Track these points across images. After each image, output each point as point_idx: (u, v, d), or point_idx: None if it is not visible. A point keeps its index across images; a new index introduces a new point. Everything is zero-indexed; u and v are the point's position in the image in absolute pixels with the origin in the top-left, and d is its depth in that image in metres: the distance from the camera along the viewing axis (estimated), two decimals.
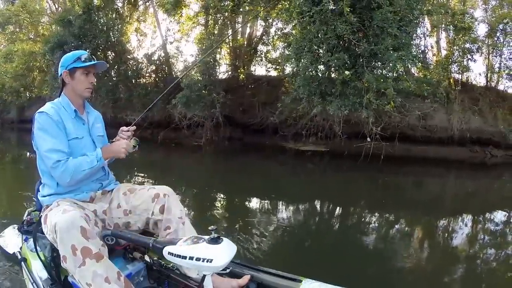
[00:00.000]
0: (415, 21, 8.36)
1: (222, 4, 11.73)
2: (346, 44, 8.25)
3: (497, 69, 12.40)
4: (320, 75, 8.84)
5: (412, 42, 8.20)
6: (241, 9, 12.16)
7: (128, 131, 1.86)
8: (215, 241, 1.20)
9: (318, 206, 5.43)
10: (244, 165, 9.25)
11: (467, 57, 11.73)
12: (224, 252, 1.18)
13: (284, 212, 4.98)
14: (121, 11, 15.31)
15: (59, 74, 1.76)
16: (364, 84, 8.11)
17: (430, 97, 10.00)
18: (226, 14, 12.34)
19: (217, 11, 12.24)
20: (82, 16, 12.91)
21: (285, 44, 10.47)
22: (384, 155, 9.17)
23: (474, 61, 11.92)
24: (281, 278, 1.57)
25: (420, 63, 10.17)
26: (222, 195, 5.81)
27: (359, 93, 8.19)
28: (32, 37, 18.82)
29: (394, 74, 8.53)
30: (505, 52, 12.00)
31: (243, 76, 13.94)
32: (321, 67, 8.74)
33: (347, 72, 8.06)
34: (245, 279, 1.59)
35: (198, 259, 1.16)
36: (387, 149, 9.76)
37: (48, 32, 16.82)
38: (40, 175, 1.74)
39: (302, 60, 8.62)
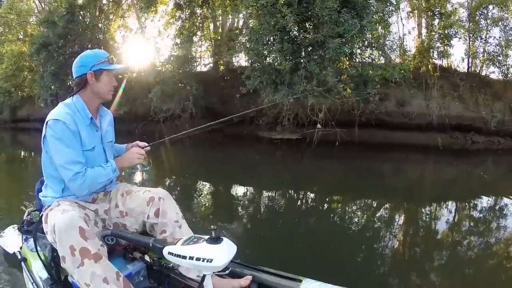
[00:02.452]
0: (367, 8, 8.30)
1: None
2: (290, 35, 8.37)
3: (480, 55, 12.13)
4: (272, 65, 8.98)
5: (364, 28, 8.13)
6: (211, 3, 12.41)
7: (144, 148, 1.86)
8: (215, 241, 1.20)
9: (291, 194, 5.42)
10: (220, 156, 9.22)
11: (444, 42, 11.52)
12: (224, 252, 1.19)
13: (259, 201, 5.03)
14: (105, 9, 15.28)
15: (79, 74, 1.65)
16: (302, 73, 8.26)
17: (381, 82, 9.78)
18: (202, 9, 12.55)
19: (188, 6, 12.37)
20: (65, 16, 12.90)
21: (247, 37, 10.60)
22: (365, 142, 9.48)
23: (452, 46, 11.76)
24: (281, 278, 1.57)
25: (374, 49, 10.14)
26: (198, 186, 5.83)
27: (306, 82, 8.37)
28: (21, 37, 18.56)
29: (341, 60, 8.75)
30: (486, 37, 11.73)
31: (223, 68, 13.92)
32: (274, 56, 8.92)
33: (288, 62, 8.34)
34: (247, 280, 1.58)
35: (198, 259, 1.16)
36: (366, 135, 10.09)
37: (36, 32, 16.62)
38: (43, 175, 1.70)
39: (254, 51, 8.90)
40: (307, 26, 8.66)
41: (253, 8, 8.93)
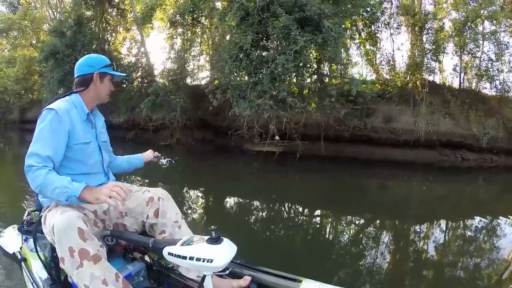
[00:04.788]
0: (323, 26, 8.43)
1: (181, 19, 12.50)
2: (248, 52, 8.78)
3: (472, 70, 11.46)
4: (235, 81, 9.42)
5: (324, 43, 8.36)
6: (200, 22, 12.94)
7: (160, 157, 2.06)
8: (215, 241, 1.17)
9: (287, 202, 5.34)
10: (212, 164, 9.25)
11: (433, 57, 11.14)
12: (224, 252, 1.16)
13: (259, 204, 5.01)
14: (111, 22, 15.66)
15: (85, 73, 1.62)
16: (259, 87, 8.63)
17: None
18: (194, 27, 12.99)
19: (181, 24, 12.84)
20: (73, 27, 13.33)
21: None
22: (353, 157, 9.49)
23: (440, 62, 11.45)
24: (281, 278, 1.53)
25: (339, 64, 10.21)
26: (195, 191, 5.81)
27: (259, 95, 8.75)
28: (34, 42, 18.84)
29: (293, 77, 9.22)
30: (480, 52, 11.07)
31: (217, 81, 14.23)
32: (235, 71, 9.39)
33: (246, 78, 8.96)
34: (246, 280, 1.54)
35: (198, 259, 1.13)
36: (352, 151, 10.02)
37: (47, 39, 16.93)
38: None
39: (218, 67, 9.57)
40: (266, 44, 9.14)
41: (222, 27, 9.56)
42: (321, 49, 8.78)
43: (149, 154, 2.06)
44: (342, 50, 9.98)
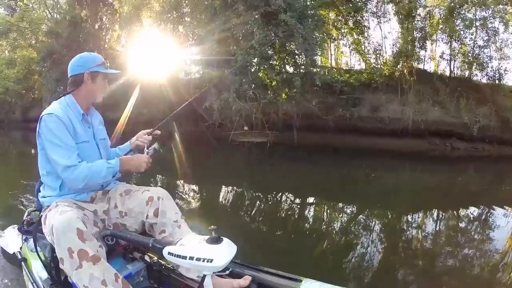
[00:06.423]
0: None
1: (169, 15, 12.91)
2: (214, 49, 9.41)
3: (462, 58, 11.17)
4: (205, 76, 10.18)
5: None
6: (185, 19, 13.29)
7: (149, 135, 1.80)
8: (215, 241, 1.15)
9: (287, 197, 5.31)
10: (194, 156, 9.19)
11: (418, 45, 11.00)
12: (224, 252, 1.14)
13: (259, 202, 4.97)
14: (105, 20, 15.82)
15: (76, 73, 1.62)
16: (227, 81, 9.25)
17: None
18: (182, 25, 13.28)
19: (168, 21, 13.25)
20: (68, 27, 13.57)
21: None
22: (338, 147, 9.66)
23: (427, 50, 11.38)
24: (281, 278, 1.49)
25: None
26: (194, 187, 5.80)
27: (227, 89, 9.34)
28: (34, 42, 18.82)
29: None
30: (464, 39, 10.86)
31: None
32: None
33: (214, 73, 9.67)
34: (246, 280, 1.50)
35: (198, 259, 1.12)
36: (337, 140, 10.06)
37: (46, 39, 16.95)
38: (40, 175, 1.62)
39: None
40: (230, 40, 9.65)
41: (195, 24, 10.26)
42: (288, 42, 9.15)
43: (136, 140, 1.83)
44: (326, 41, 10.47)
